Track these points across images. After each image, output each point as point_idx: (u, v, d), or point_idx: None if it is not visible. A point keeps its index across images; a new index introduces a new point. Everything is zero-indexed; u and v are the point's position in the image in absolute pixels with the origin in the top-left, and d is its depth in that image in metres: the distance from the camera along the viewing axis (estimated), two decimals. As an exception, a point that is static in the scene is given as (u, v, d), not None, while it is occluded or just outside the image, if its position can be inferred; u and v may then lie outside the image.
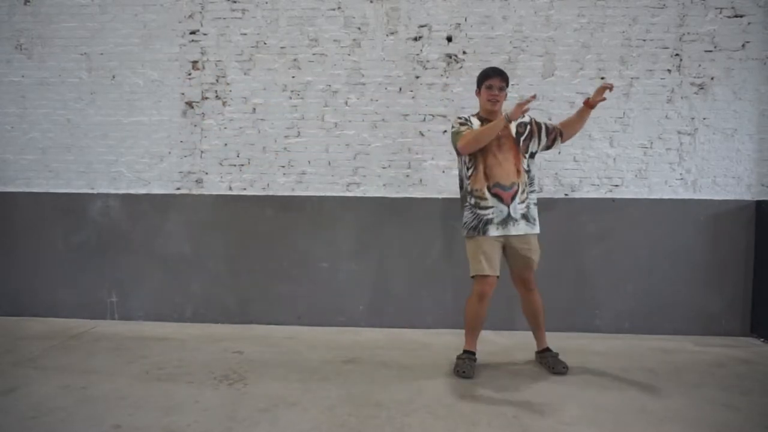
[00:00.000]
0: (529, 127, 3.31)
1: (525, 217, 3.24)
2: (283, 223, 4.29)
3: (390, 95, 4.24)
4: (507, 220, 3.19)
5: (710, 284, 4.15)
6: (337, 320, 4.27)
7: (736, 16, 4.09)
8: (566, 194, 4.21)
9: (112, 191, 4.40)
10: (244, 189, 4.35)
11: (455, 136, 3.25)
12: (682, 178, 4.18)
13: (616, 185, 4.19)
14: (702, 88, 4.14)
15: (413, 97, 4.23)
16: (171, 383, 3.07)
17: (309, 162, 4.31)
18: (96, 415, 2.65)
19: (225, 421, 2.60)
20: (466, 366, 3.25)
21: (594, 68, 4.16)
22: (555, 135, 3.36)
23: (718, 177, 4.16)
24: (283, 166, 4.32)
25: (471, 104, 4.16)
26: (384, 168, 4.25)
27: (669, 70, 4.14)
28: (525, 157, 3.27)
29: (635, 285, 4.17)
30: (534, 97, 3.05)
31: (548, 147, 3.39)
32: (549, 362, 3.37)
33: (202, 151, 4.36)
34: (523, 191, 3.22)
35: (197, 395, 2.90)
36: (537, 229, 3.30)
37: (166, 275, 4.36)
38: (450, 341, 3.56)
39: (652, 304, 4.16)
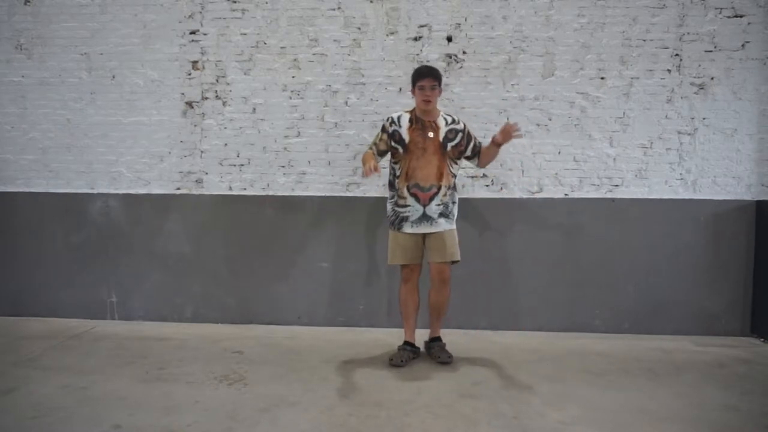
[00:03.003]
0: (460, 134, 3.45)
1: (443, 215, 3.42)
2: (283, 223, 4.29)
3: (390, 95, 4.24)
4: (422, 218, 3.39)
5: (710, 284, 4.14)
6: (337, 320, 4.27)
7: (736, 16, 4.09)
8: (566, 194, 4.21)
9: (112, 191, 4.40)
10: (244, 189, 4.34)
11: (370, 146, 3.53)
12: (682, 178, 4.18)
13: (616, 185, 4.19)
14: (702, 88, 4.14)
15: (413, 97, 4.22)
16: (171, 383, 3.07)
17: (309, 162, 4.31)
18: (96, 415, 2.66)
19: (225, 421, 2.60)
20: (398, 356, 3.43)
21: (594, 68, 4.16)
22: (475, 156, 3.52)
23: (718, 177, 4.16)
24: (283, 166, 4.32)
25: (471, 104, 4.18)
26: (384, 168, 4.24)
27: (669, 70, 4.14)
28: (455, 162, 3.48)
29: (635, 285, 4.16)
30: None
31: (468, 159, 3.56)
32: (434, 351, 3.50)
33: (202, 151, 4.36)
34: (445, 194, 3.40)
35: (197, 395, 2.90)
36: (455, 225, 3.49)
37: (166, 275, 4.36)
38: (450, 341, 3.56)
39: (652, 304, 4.15)
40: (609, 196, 4.19)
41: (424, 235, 3.44)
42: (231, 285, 4.33)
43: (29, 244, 4.42)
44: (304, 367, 3.35)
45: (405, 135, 3.42)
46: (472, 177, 4.22)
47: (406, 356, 3.44)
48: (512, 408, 2.78)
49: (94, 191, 4.41)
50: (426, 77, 3.39)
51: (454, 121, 3.47)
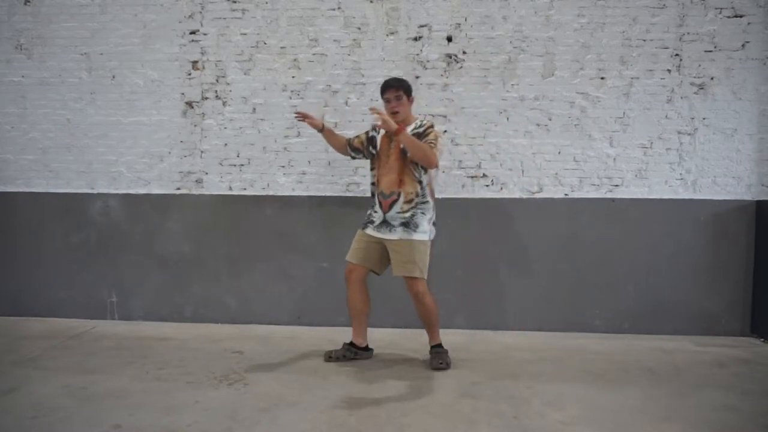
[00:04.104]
0: (424, 140, 3.31)
1: (405, 224, 3.33)
2: (283, 223, 4.29)
3: (390, 95, 4.23)
4: (383, 224, 3.38)
5: (710, 284, 4.14)
6: (337, 320, 4.26)
7: (736, 16, 4.09)
8: (566, 194, 4.21)
9: (112, 191, 4.40)
10: (244, 189, 4.34)
11: None
12: (682, 178, 4.18)
13: (616, 185, 4.19)
14: (702, 88, 4.14)
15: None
16: (171, 383, 3.07)
17: (309, 162, 4.31)
18: (96, 415, 2.66)
19: (225, 421, 2.60)
20: (334, 352, 3.48)
21: (594, 68, 4.16)
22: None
23: (718, 177, 4.16)
24: (283, 166, 4.32)
25: (471, 104, 4.18)
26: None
27: (669, 70, 4.14)
28: (417, 168, 3.31)
29: (635, 285, 4.16)
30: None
31: None
32: (430, 358, 3.44)
33: (202, 151, 4.36)
34: (408, 201, 3.31)
35: (197, 395, 2.90)
36: (417, 236, 3.34)
37: (166, 275, 4.36)
38: (450, 341, 3.55)
39: (652, 304, 4.15)
40: (609, 196, 4.19)
41: (385, 245, 3.39)
42: (231, 285, 4.33)
43: (29, 244, 4.42)
44: (304, 367, 3.36)
45: (378, 142, 3.46)
46: (472, 177, 4.22)
47: (340, 354, 3.47)
48: (512, 408, 2.78)
49: (94, 191, 4.41)
50: (388, 89, 3.36)
51: (420, 125, 3.36)
